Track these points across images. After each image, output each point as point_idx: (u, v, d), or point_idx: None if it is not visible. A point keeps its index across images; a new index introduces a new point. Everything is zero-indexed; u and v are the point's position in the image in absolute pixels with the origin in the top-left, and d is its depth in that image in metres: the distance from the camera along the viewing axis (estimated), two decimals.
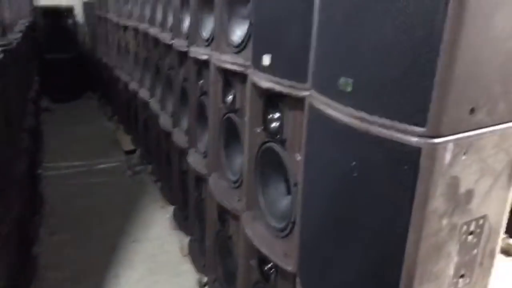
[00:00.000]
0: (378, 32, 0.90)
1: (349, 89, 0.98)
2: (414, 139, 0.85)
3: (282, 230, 1.51)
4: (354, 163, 1.01)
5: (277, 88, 1.35)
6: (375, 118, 0.92)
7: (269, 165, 1.59)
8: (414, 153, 0.85)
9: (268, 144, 1.57)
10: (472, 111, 0.85)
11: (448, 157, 0.86)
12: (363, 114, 0.95)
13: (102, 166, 4.09)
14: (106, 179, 3.81)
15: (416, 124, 0.85)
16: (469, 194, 0.91)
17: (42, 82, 5.68)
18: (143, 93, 3.79)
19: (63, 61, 5.96)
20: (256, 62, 1.48)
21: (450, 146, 0.85)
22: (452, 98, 0.81)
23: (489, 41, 0.82)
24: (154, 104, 3.47)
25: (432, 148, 0.84)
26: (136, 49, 4.02)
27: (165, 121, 3.11)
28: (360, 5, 0.94)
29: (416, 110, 0.85)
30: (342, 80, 1.00)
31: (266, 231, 1.63)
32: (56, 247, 2.81)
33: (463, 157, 0.87)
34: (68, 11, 6.10)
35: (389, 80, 0.88)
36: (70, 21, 6.12)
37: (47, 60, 5.87)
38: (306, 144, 1.26)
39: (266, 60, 1.40)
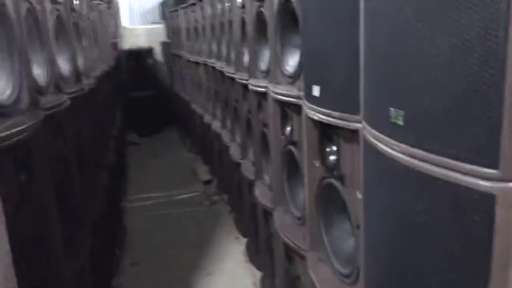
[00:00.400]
0: (428, 54, 0.75)
1: (400, 122, 0.84)
2: (484, 184, 0.68)
3: (348, 276, 1.36)
4: (418, 206, 0.85)
5: (328, 120, 1.23)
6: (433, 157, 0.76)
7: (331, 202, 1.46)
8: (486, 200, 0.68)
9: (327, 180, 1.44)
10: None
11: None
12: (419, 152, 0.79)
13: (181, 196, 4.19)
14: (184, 210, 3.89)
15: (486, 165, 0.68)
16: None
17: (128, 119, 6.10)
18: (216, 125, 3.86)
19: (145, 98, 6.35)
20: (308, 93, 1.37)
21: None
22: None
23: None
24: (225, 135, 3.50)
25: (510, 194, 0.66)
26: (207, 83, 4.13)
27: (234, 152, 3.10)
28: (406, 26, 0.80)
29: (483, 147, 0.68)
30: (393, 112, 0.86)
31: (332, 275, 1.48)
32: (136, 279, 2.89)
33: None
34: (148, 52, 6.53)
35: (447, 111, 0.73)
36: (150, 61, 6.54)
37: (131, 98, 6.30)
38: (364, 181, 1.12)
39: (316, 91, 1.29)
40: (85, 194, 2.11)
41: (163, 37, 7.00)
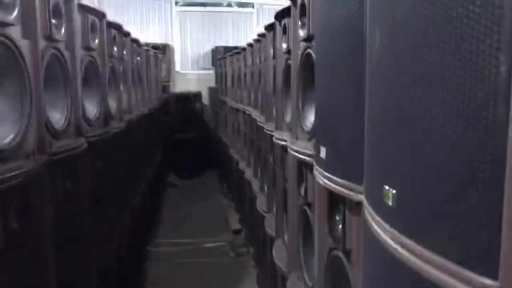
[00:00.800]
0: (422, 127, 0.63)
1: (391, 203, 0.71)
2: None
3: None
4: None
5: (332, 186, 1.11)
6: (424, 253, 0.62)
7: (339, 278, 1.30)
8: None
9: (335, 252, 1.29)
10: None
11: None
12: (409, 242, 0.66)
13: (209, 245, 4.09)
14: (210, 260, 3.77)
15: (482, 273, 0.53)
16: None
17: (170, 161, 6.19)
18: (249, 173, 3.79)
19: (190, 141, 6.46)
20: (317, 154, 1.27)
21: None
22: None
23: None
24: (255, 185, 3.41)
25: None
26: (245, 131, 4.11)
27: (261, 203, 2.99)
28: (401, 95, 0.69)
29: (479, 249, 0.54)
30: (385, 190, 0.73)
31: None
32: None
33: None
34: (196, 96, 6.72)
35: (439, 198, 0.60)
36: (198, 105, 6.70)
37: (177, 140, 6.43)
38: (364, 262, 0.97)
39: (323, 153, 1.18)
40: (98, 238, 2.08)
41: (212, 83, 7.21)
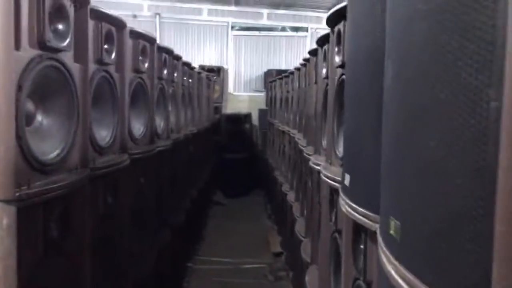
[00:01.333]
0: (421, 159, 0.62)
1: (396, 235, 0.70)
2: None
3: None
4: None
5: (353, 215, 1.09)
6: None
7: None
8: None
9: (358, 282, 1.26)
10: None
11: None
12: (409, 277, 0.64)
13: (248, 266, 4.09)
14: (248, 281, 3.76)
15: None
16: None
17: (218, 179, 6.32)
18: (291, 196, 3.78)
19: (238, 160, 6.56)
20: (342, 181, 1.26)
21: None
22: None
23: None
24: (296, 208, 3.39)
25: None
26: (289, 153, 4.13)
27: (300, 228, 2.96)
28: (404, 126, 0.69)
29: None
30: (391, 221, 0.72)
31: None
32: None
33: None
34: (246, 117, 6.85)
35: (436, 232, 0.58)
36: (247, 125, 6.82)
37: (226, 160, 6.56)
38: None
39: (347, 180, 1.17)
40: (136, 251, 2.16)
41: (262, 105, 7.32)
